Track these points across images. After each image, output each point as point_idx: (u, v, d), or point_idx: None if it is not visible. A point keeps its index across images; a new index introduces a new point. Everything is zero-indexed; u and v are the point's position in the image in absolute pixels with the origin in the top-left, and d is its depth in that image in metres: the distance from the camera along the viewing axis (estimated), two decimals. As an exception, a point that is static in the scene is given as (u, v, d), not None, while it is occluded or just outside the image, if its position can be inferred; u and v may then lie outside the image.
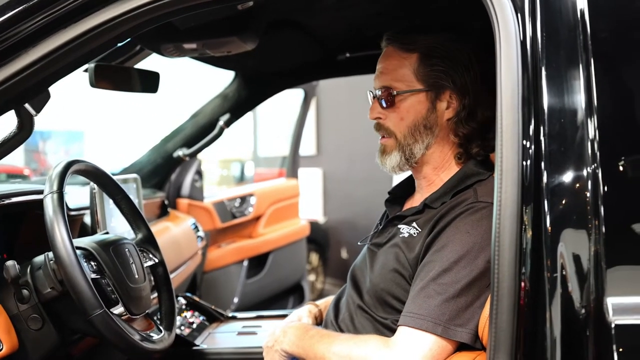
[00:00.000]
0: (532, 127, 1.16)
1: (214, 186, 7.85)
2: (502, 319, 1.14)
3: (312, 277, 5.52)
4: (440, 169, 1.58)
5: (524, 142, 1.15)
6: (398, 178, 5.27)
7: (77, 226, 2.06)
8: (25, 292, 1.51)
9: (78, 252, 1.46)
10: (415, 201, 1.62)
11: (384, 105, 1.55)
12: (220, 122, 2.88)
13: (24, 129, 1.34)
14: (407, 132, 1.55)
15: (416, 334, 1.34)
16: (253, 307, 3.68)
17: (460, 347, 1.36)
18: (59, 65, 1.27)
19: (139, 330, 1.54)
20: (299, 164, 4.73)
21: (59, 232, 1.41)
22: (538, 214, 1.13)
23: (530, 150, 1.15)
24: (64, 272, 1.40)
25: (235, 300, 3.66)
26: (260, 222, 4.00)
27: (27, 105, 1.32)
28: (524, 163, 1.15)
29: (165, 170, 3.08)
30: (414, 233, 1.50)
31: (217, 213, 3.57)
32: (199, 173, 3.40)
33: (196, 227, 3.08)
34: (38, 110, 1.34)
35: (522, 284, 1.14)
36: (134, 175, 2.31)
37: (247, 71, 2.81)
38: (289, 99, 6.15)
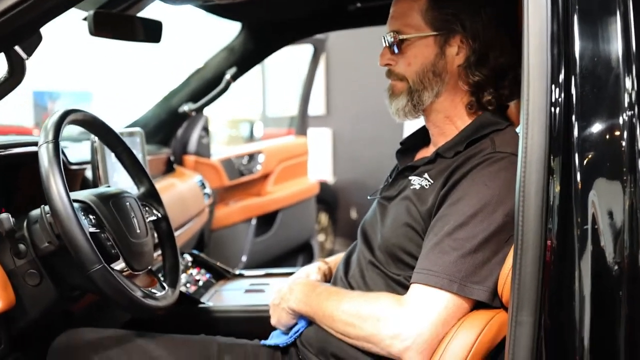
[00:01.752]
0: (562, 69, 1.06)
1: (221, 146, 7.79)
2: (526, 276, 1.07)
3: (321, 237, 5.47)
4: (452, 117, 1.50)
5: (552, 86, 1.06)
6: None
7: (78, 181, 1.99)
8: (22, 246, 1.45)
9: (76, 205, 1.39)
10: (428, 151, 1.55)
11: (394, 50, 1.47)
12: (227, 76, 2.79)
13: (15, 74, 1.26)
14: (416, 77, 1.48)
15: (430, 291, 1.26)
16: (261, 266, 3.63)
17: (477, 305, 1.29)
18: (50, 3, 1.18)
19: (140, 287, 1.47)
20: (308, 123, 4.64)
21: (55, 184, 1.33)
22: (567, 164, 1.05)
23: (560, 95, 1.06)
24: (61, 225, 1.32)
25: (244, 258, 3.61)
26: (268, 180, 3.92)
27: (17, 48, 1.24)
28: (552, 109, 1.06)
29: (170, 126, 2.99)
30: (426, 184, 1.42)
31: (225, 170, 3.49)
32: (205, 129, 3.32)
33: (203, 184, 3.01)
34: (29, 54, 1.26)
35: (548, 240, 1.06)
36: (138, 129, 2.23)
37: (253, 22, 2.70)
38: (299, 57, 6.03)
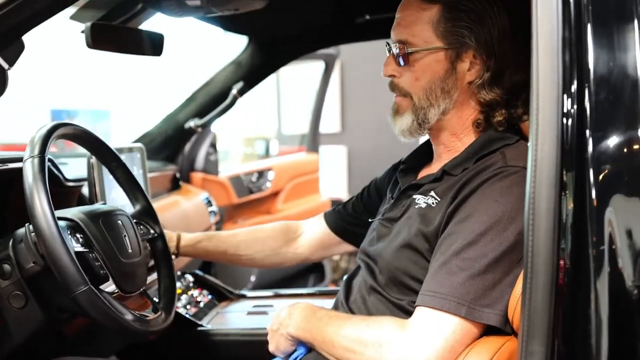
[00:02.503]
0: (574, 77, 0.99)
1: (236, 164, 7.78)
2: (537, 301, 0.98)
3: (336, 256, 5.38)
4: (458, 134, 1.41)
5: (564, 95, 0.98)
6: None
7: (74, 198, 1.93)
8: (6, 267, 1.38)
9: (62, 223, 1.33)
10: (433, 169, 1.46)
11: (399, 62, 1.39)
12: (234, 91, 2.73)
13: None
14: (422, 94, 1.39)
15: (437, 315, 1.18)
16: (271, 286, 3.55)
17: (487, 330, 1.21)
18: (32, 9, 1.12)
19: (131, 310, 1.40)
20: (320, 139, 4.58)
21: (39, 201, 1.26)
22: (581, 179, 0.97)
23: (572, 104, 0.98)
24: (44, 244, 1.25)
25: (252, 278, 3.53)
26: (279, 198, 3.86)
27: (-3, 58, 1.18)
28: (564, 120, 0.98)
29: (176, 142, 2.93)
30: (433, 203, 1.34)
31: (233, 188, 3.43)
32: (213, 146, 3.26)
33: (209, 201, 2.95)
34: (11, 64, 1.20)
35: (561, 261, 0.97)
36: (139, 145, 2.16)
37: (260, 36, 2.65)
38: (313, 73, 5.98)
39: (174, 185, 2.85)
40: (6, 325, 1.39)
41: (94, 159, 1.85)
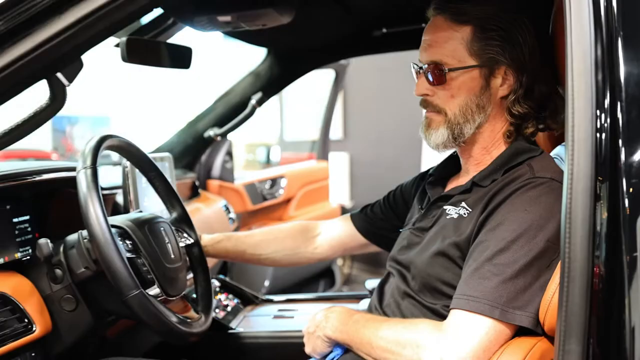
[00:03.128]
0: (607, 94, 1.06)
1: (239, 170, 7.84)
2: (574, 304, 1.04)
3: (339, 262, 5.45)
4: (489, 148, 1.48)
5: (598, 111, 1.05)
6: (426, 161, 5.18)
7: (109, 205, 1.99)
8: (58, 271, 1.45)
9: (113, 230, 1.39)
10: (461, 180, 1.53)
11: (433, 81, 1.44)
12: (252, 101, 2.81)
13: (57, 100, 1.27)
14: (458, 110, 1.45)
15: (471, 317, 1.25)
16: (284, 291, 3.62)
17: (519, 332, 1.27)
18: (93, 31, 1.19)
19: (175, 313, 1.47)
20: (329, 147, 4.65)
21: (93, 209, 1.34)
22: (614, 190, 1.03)
23: (606, 120, 1.05)
24: (99, 250, 1.32)
25: (267, 283, 3.60)
26: (291, 205, 3.92)
27: (59, 75, 1.25)
28: (598, 135, 1.05)
29: (196, 151, 3.00)
30: (464, 213, 1.41)
31: (248, 195, 3.49)
32: (229, 154, 3.32)
33: (227, 208, 3.01)
34: (71, 80, 1.26)
35: (596, 267, 1.04)
36: (167, 154, 2.24)
37: (279, 48, 2.72)
38: (315, 82, 6.04)
39: (194, 193, 2.92)
40: (57, 328, 1.45)
41: (128, 168, 1.93)
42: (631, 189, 1.03)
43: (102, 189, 1.95)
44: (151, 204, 2.00)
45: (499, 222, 1.32)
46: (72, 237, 1.47)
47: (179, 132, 2.98)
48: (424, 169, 5.19)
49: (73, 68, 1.26)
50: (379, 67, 6.18)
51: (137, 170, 1.88)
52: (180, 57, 2.13)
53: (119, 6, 1.16)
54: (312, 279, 4.13)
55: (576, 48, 1.07)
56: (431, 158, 5.07)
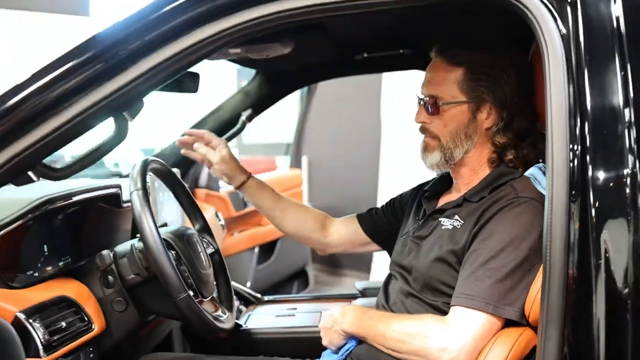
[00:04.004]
0: (578, 134, 1.32)
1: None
2: (553, 299, 1.31)
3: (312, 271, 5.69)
4: (476, 170, 1.76)
5: (571, 145, 1.31)
6: (385, 165, 5.30)
7: (129, 217, 2.21)
8: (110, 278, 1.68)
9: (161, 242, 1.63)
10: (453, 197, 1.81)
11: (430, 111, 1.73)
12: (243, 117, 3.02)
13: (120, 134, 1.50)
14: (449, 137, 1.73)
15: (470, 312, 1.52)
16: (265, 292, 3.86)
17: (507, 323, 1.55)
18: (156, 79, 1.42)
19: (209, 312, 1.71)
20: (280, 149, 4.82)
21: (148, 225, 1.57)
22: (584, 208, 1.29)
23: (578, 149, 1.30)
24: (154, 259, 1.56)
25: (248, 285, 3.84)
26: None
27: (125, 113, 1.48)
28: (571, 164, 1.31)
29: (187, 162, 3.21)
30: (458, 225, 1.68)
31: (232, 202, 3.73)
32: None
33: (217, 215, 3.24)
34: (133, 117, 1.49)
35: (570, 270, 1.30)
36: (175, 170, 2.46)
37: (268, 69, 2.95)
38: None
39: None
40: (109, 327, 1.68)
41: (150, 184, 2.15)
42: (597, 208, 1.30)
43: (124, 202, 2.19)
44: (167, 215, 2.23)
45: (489, 233, 1.59)
46: (123, 248, 1.70)
47: (171, 145, 3.19)
48: (382, 172, 5.44)
49: (136, 108, 1.49)
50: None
51: (156, 186, 2.12)
52: (188, 82, 2.35)
53: (187, 55, 1.40)
54: (288, 280, 4.38)
55: (555, 100, 1.33)
56: (391, 161, 5.35)
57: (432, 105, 1.72)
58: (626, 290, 1.27)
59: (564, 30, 1.34)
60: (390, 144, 5.37)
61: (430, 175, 1.94)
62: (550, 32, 1.35)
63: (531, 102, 1.72)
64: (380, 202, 2.33)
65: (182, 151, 2.08)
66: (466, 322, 1.52)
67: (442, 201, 1.85)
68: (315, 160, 6.92)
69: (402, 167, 4.88)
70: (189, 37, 1.39)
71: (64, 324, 1.53)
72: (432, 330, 1.54)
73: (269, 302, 2.56)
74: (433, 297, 1.67)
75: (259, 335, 2.20)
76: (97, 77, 1.38)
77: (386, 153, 5.41)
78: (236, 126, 3.06)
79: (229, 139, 3.11)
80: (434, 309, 1.66)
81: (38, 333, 1.45)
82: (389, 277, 1.86)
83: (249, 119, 3.05)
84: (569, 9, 1.34)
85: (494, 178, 1.72)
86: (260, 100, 3.03)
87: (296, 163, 4.78)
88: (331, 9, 1.44)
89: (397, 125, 5.22)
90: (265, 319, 2.34)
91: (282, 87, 3.03)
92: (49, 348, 1.46)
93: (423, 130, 1.78)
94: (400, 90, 4.80)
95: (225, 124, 3.08)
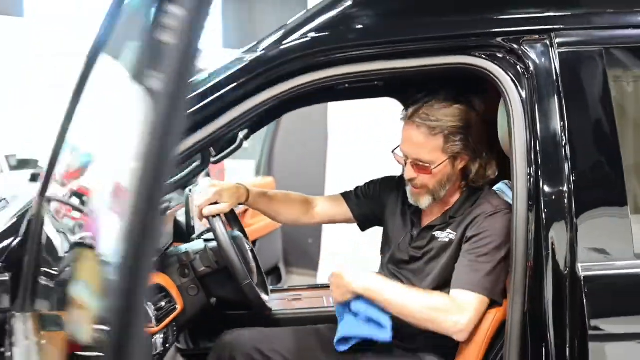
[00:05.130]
0: (532, 159, 1.82)
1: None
2: (518, 280, 1.84)
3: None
4: (453, 194, 2.22)
5: (529, 168, 1.82)
6: (331, 166, 5.57)
7: (171, 221, 2.72)
8: (186, 270, 2.19)
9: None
10: (436, 214, 2.24)
11: (420, 171, 2.11)
12: (240, 136, 3.53)
13: (203, 163, 2.02)
14: (437, 185, 2.13)
15: (473, 295, 2.01)
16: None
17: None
18: (246, 121, 1.92)
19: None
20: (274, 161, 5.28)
21: (221, 230, 2.10)
22: (538, 215, 1.79)
23: (533, 174, 1.82)
24: (227, 255, 2.09)
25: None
26: (247, 214, 4.69)
27: (210, 148, 1.99)
28: (529, 183, 1.83)
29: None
30: (453, 237, 2.14)
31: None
32: (207, 174, 4.04)
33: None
34: (217, 154, 2.01)
35: (529, 262, 1.81)
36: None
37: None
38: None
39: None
40: (185, 307, 2.20)
41: (190, 194, 2.67)
42: (546, 215, 1.80)
43: (168, 208, 2.70)
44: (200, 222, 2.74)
45: (479, 239, 2.06)
46: (196, 247, 2.22)
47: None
48: (329, 174, 5.74)
49: (222, 145, 2.01)
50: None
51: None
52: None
53: (260, 105, 1.92)
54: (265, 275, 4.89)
55: (517, 138, 1.86)
56: (336, 164, 5.80)
57: (420, 167, 2.10)
58: (565, 272, 1.79)
59: (521, 90, 1.87)
60: (337, 157, 5.81)
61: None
62: (513, 92, 1.88)
63: (493, 143, 2.17)
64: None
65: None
66: (471, 303, 2.00)
67: (427, 218, 2.27)
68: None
69: (350, 177, 5.23)
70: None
71: (163, 303, 2.05)
72: (447, 306, 2.00)
73: (275, 291, 3.09)
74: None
75: (281, 315, 2.74)
76: (199, 124, 1.89)
77: (333, 156, 5.82)
78: (234, 144, 3.56)
79: (227, 156, 3.61)
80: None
81: (150, 309, 1.96)
82: (390, 275, 2.27)
83: (246, 137, 3.56)
84: (524, 76, 1.87)
85: (468, 196, 2.19)
86: (256, 121, 3.53)
87: (268, 172, 5.26)
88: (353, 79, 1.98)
89: (344, 137, 5.65)
90: (280, 302, 2.88)
91: (276, 111, 3.54)
92: (157, 320, 1.97)
93: (411, 181, 2.16)
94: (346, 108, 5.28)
95: (226, 142, 3.58)
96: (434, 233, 2.21)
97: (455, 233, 2.16)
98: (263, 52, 1.92)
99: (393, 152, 2.20)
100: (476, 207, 2.16)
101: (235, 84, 1.88)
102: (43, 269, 1.49)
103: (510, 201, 2.22)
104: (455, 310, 2.01)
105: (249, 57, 1.91)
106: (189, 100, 1.81)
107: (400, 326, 2.08)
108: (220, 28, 15.26)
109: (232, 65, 1.93)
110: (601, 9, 1.96)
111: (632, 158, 1.94)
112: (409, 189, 2.22)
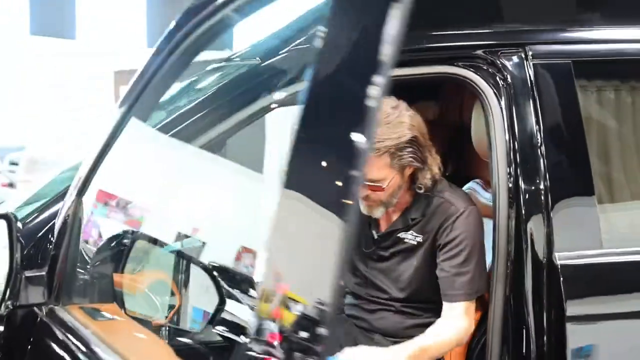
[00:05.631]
0: (512, 159, 2.00)
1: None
2: (500, 271, 2.00)
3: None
4: (405, 198, 2.25)
5: (508, 168, 1.99)
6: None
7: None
8: None
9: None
10: (392, 217, 2.28)
11: (373, 190, 2.12)
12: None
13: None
14: (389, 197, 2.16)
15: (466, 303, 2.14)
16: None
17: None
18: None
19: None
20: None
21: None
22: (519, 210, 1.96)
23: (512, 173, 1.99)
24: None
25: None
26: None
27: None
28: (509, 182, 2.01)
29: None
30: (420, 239, 2.21)
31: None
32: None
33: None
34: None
35: (509, 255, 1.98)
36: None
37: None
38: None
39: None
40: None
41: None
42: (525, 210, 1.97)
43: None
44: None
45: (454, 245, 2.15)
46: None
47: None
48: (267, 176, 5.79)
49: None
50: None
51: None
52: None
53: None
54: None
55: (498, 141, 2.04)
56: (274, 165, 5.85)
57: (372, 187, 2.11)
58: (544, 261, 1.96)
59: (499, 98, 2.06)
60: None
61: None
62: (492, 99, 2.07)
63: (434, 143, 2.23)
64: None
65: None
66: (466, 309, 2.14)
67: (385, 222, 2.30)
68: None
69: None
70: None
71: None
72: (454, 328, 2.12)
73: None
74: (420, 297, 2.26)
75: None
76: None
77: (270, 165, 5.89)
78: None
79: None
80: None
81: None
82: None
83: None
84: (502, 85, 2.07)
85: (422, 197, 2.22)
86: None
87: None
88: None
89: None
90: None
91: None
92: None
93: (366, 197, 2.15)
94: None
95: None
96: (398, 235, 2.26)
97: (421, 236, 2.23)
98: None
99: None
100: (440, 208, 2.22)
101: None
102: (82, 264, 1.56)
103: (484, 200, 2.43)
104: (459, 324, 2.14)
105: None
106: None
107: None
108: (144, 28, 15.23)
109: None
110: (568, 26, 2.19)
111: (597, 157, 2.14)
112: (361, 203, 2.17)
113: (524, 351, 1.95)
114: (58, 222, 1.55)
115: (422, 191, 2.21)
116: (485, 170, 2.44)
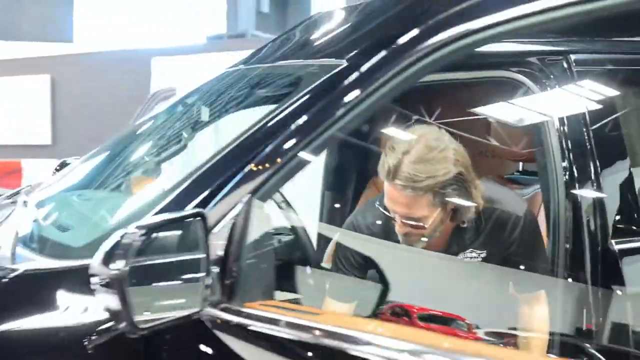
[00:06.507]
0: (566, 161, 2.17)
1: None
2: (560, 259, 2.15)
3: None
4: (446, 227, 2.22)
5: (564, 162, 2.19)
6: None
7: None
8: None
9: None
10: (439, 244, 2.24)
11: (412, 227, 2.08)
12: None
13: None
14: (431, 231, 2.12)
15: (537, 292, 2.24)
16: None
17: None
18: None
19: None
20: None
21: None
22: (575, 202, 2.11)
23: (567, 170, 2.16)
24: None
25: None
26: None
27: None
28: (565, 177, 2.16)
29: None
30: (484, 254, 2.26)
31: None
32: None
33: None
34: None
35: (568, 242, 2.11)
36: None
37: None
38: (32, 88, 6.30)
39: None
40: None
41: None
42: (581, 201, 2.13)
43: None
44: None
45: (526, 247, 2.27)
46: None
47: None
48: None
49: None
50: (90, 76, 6.63)
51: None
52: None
53: None
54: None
55: (555, 147, 2.25)
56: None
57: (414, 226, 2.06)
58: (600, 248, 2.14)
59: (542, 86, 2.29)
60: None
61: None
62: (534, 89, 2.30)
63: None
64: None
65: None
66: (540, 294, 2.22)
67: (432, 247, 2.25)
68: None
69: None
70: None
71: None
72: (540, 310, 2.19)
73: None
74: None
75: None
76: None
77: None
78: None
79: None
80: None
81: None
82: None
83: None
84: (542, 78, 2.30)
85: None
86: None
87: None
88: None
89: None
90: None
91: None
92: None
93: (405, 235, 2.12)
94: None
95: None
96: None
97: (484, 251, 2.24)
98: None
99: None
100: (498, 220, 2.23)
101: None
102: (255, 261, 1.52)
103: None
104: (542, 303, 2.21)
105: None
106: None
107: None
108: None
109: None
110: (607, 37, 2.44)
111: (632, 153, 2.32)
112: (400, 236, 2.13)
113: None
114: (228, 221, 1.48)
115: (465, 225, 2.17)
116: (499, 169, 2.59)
